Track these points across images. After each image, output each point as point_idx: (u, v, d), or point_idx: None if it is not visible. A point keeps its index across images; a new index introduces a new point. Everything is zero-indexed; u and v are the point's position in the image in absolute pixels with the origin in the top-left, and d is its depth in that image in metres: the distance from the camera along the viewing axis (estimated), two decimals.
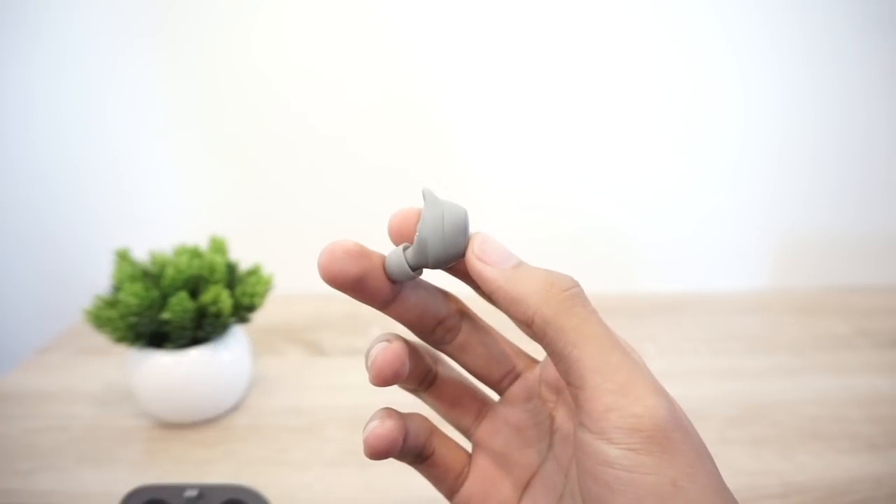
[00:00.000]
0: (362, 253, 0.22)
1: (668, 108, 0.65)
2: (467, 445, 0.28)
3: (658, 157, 0.67)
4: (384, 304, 0.24)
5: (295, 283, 0.61)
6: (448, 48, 0.62)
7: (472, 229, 0.23)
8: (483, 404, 0.28)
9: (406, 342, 0.24)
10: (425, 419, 0.26)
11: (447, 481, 0.26)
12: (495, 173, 0.66)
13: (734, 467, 0.41)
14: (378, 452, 0.23)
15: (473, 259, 0.22)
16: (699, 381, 0.52)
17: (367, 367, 0.24)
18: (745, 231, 0.70)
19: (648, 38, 0.63)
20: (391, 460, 0.42)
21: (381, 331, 0.66)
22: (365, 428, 0.24)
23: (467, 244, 0.23)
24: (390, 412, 0.24)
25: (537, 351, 0.28)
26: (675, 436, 0.19)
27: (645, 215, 0.69)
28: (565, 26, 0.62)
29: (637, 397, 0.19)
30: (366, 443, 0.23)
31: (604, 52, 0.63)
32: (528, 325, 0.21)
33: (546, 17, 0.62)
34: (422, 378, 0.27)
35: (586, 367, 0.20)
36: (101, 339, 0.45)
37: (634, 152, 0.67)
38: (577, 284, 0.21)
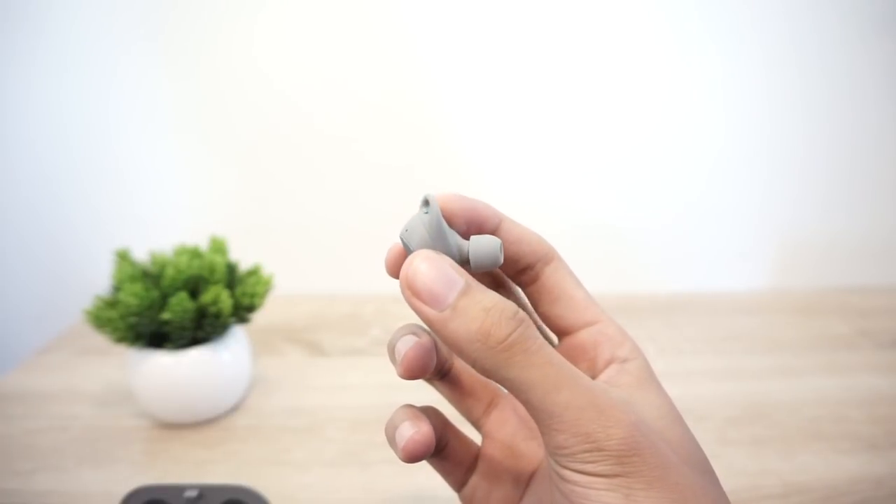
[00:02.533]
0: None
1: (667, 107, 0.65)
2: (476, 437, 0.28)
3: (658, 157, 0.67)
4: None
5: (295, 283, 0.62)
6: (450, 48, 0.62)
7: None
8: (494, 395, 0.28)
9: (431, 335, 0.24)
10: (440, 413, 0.26)
11: (458, 474, 0.27)
12: (495, 172, 0.66)
13: (734, 468, 0.41)
14: (416, 458, 0.24)
15: (407, 294, 0.21)
16: (699, 381, 0.52)
17: (393, 360, 0.24)
18: (744, 231, 0.70)
19: (648, 38, 0.63)
20: (391, 459, 0.42)
21: (381, 331, 0.66)
22: (396, 431, 0.24)
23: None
24: (417, 414, 0.24)
25: None
26: (631, 460, 0.19)
27: (645, 215, 0.69)
28: (565, 27, 0.62)
29: (586, 435, 0.19)
30: (404, 450, 0.24)
31: (603, 51, 0.63)
32: (472, 367, 0.21)
33: (546, 19, 0.62)
34: (439, 369, 0.27)
35: (534, 409, 0.20)
36: (102, 340, 0.45)
37: (635, 151, 0.67)
38: (518, 325, 0.20)
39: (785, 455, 0.43)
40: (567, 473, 0.20)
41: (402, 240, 0.22)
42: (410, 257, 0.21)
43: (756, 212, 0.69)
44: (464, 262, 0.23)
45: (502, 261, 0.23)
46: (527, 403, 0.20)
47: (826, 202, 0.69)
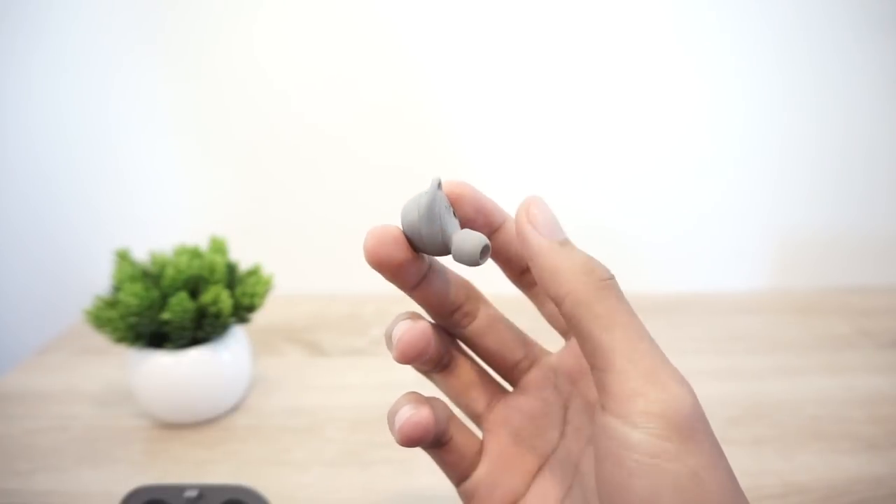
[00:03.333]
0: (404, 240, 0.23)
1: (668, 107, 0.65)
2: (478, 432, 0.28)
3: (658, 157, 0.67)
4: (413, 287, 0.24)
5: (295, 283, 0.62)
6: (450, 48, 0.62)
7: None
8: (496, 391, 0.28)
9: (430, 322, 0.24)
10: (445, 405, 0.26)
11: (459, 468, 0.27)
12: (496, 173, 0.66)
13: (735, 467, 0.41)
14: (413, 440, 0.24)
15: (524, 222, 0.22)
16: (699, 381, 0.51)
17: (389, 346, 0.24)
18: (745, 231, 0.70)
19: (649, 38, 0.63)
20: (391, 459, 0.42)
21: (381, 331, 0.66)
22: (395, 415, 0.24)
23: (437, 226, 0.22)
24: (420, 398, 0.24)
25: (550, 343, 0.29)
26: (698, 426, 0.19)
27: (645, 215, 0.69)
28: (565, 27, 0.62)
29: (664, 384, 0.19)
30: (400, 431, 0.23)
31: (604, 51, 0.63)
32: (558, 303, 0.21)
33: (546, 18, 0.62)
34: (438, 360, 0.27)
35: (614, 350, 0.20)
36: (101, 339, 0.45)
37: (635, 152, 0.67)
38: (614, 277, 0.22)
39: (785, 455, 0.43)
40: (635, 437, 0.19)
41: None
42: (527, 202, 0.23)
43: (756, 212, 0.69)
44: (445, 251, 0.23)
45: (482, 262, 0.22)
46: (608, 344, 0.20)
47: (827, 202, 0.69)
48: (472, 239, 0.22)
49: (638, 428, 0.19)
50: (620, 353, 0.20)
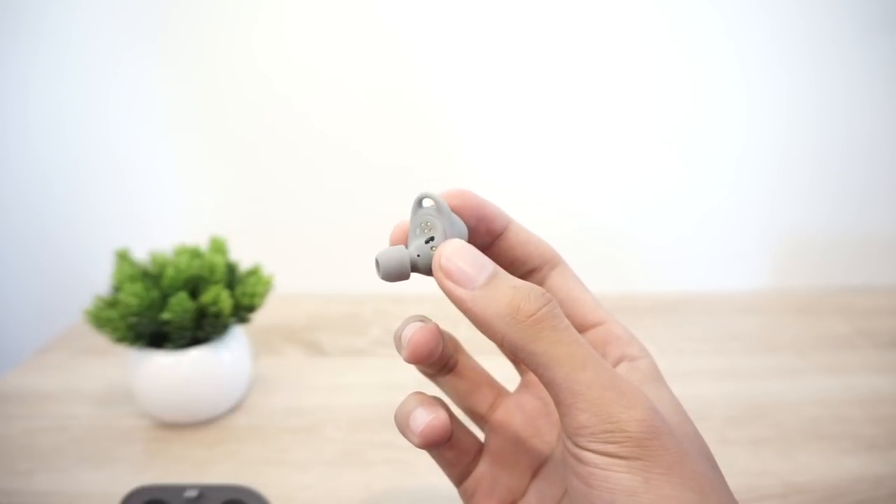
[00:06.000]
0: None
1: (668, 107, 0.65)
2: (478, 433, 0.28)
3: (658, 157, 0.67)
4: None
5: (295, 283, 0.62)
6: (450, 48, 0.62)
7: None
8: (499, 393, 0.29)
9: (437, 325, 0.25)
10: (445, 403, 0.26)
11: (459, 466, 0.27)
12: (496, 173, 0.66)
13: (734, 468, 0.41)
14: (433, 443, 0.24)
15: (441, 278, 0.22)
16: (699, 381, 0.52)
17: (399, 347, 0.24)
18: (745, 231, 0.70)
19: (650, 37, 0.63)
20: (391, 459, 0.42)
21: (381, 331, 0.66)
22: (409, 417, 0.24)
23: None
24: (430, 399, 0.25)
25: None
26: (651, 444, 0.19)
27: (645, 215, 0.69)
28: (566, 26, 0.62)
29: (608, 414, 0.20)
30: (422, 434, 0.24)
31: (604, 51, 0.63)
32: (499, 346, 0.21)
33: (546, 17, 0.62)
34: (444, 362, 0.27)
35: (559, 387, 0.20)
36: (101, 339, 0.45)
37: (635, 152, 0.67)
38: (547, 302, 0.21)
39: (785, 455, 0.43)
40: (587, 455, 0.20)
41: None
42: (437, 254, 0.22)
43: (756, 212, 0.69)
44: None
45: (382, 278, 0.23)
46: (551, 381, 0.20)
47: (827, 202, 0.69)
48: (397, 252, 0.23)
49: (589, 451, 0.20)
50: (563, 389, 0.20)
